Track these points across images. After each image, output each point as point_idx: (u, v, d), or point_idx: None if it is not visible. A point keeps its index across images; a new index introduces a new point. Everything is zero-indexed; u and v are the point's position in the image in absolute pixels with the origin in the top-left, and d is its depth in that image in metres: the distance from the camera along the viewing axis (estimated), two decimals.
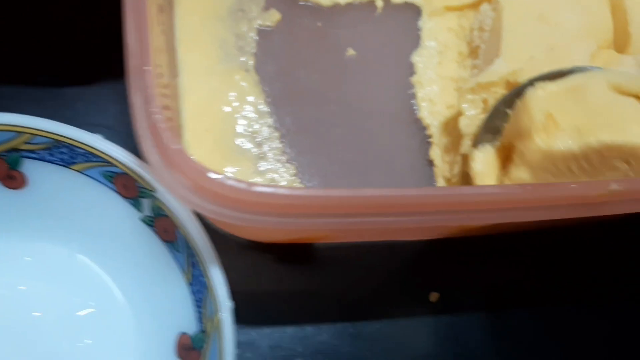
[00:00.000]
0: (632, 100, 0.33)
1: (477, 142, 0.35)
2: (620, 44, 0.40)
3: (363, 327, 0.39)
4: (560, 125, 0.32)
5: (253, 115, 0.39)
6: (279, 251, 0.39)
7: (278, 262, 0.39)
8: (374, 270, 0.40)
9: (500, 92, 0.37)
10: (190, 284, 0.34)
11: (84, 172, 0.35)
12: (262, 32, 0.41)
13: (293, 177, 0.38)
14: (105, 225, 0.37)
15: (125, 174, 0.34)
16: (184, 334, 0.35)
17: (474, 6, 0.42)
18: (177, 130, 0.30)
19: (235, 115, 0.38)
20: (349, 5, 0.42)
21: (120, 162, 0.34)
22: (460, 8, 0.43)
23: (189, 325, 0.34)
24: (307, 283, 0.39)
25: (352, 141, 0.39)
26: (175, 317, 0.35)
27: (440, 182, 0.39)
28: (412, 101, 0.41)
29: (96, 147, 0.34)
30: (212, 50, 0.39)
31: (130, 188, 0.35)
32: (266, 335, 0.38)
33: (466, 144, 0.36)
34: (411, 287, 0.40)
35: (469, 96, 0.37)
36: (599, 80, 0.33)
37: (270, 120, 0.39)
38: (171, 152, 0.25)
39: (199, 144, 0.37)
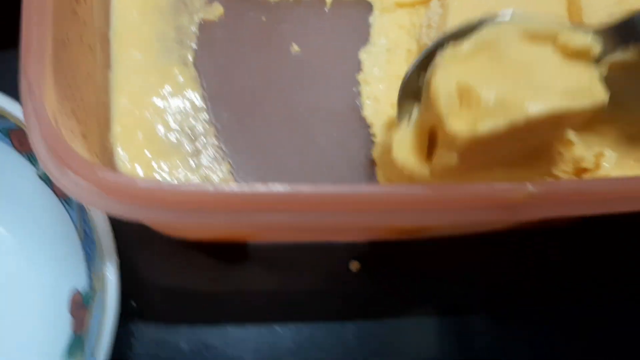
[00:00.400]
0: (548, 49, 0.32)
1: (398, 110, 0.33)
2: None
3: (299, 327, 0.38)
4: (479, 98, 0.29)
5: (189, 110, 0.38)
6: (213, 249, 0.38)
7: (212, 260, 0.38)
8: (313, 270, 0.39)
9: None
10: (82, 240, 0.34)
11: None
12: (203, 26, 0.40)
13: (228, 175, 0.37)
14: (2, 181, 0.36)
15: (19, 128, 0.33)
16: (77, 291, 0.34)
17: (425, 2, 0.41)
18: (78, 121, 0.29)
19: (169, 110, 0.38)
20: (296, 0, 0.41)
21: (13, 116, 0.33)
22: (412, 4, 0.41)
23: (81, 282, 0.34)
24: (240, 282, 0.38)
25: (292, 139, 0.38)
26: (70, 274, 0.35)
27: (382, 182, 0.38)
28: (356, 99, 0.40)
29: None
30: (149, 43, 0.38)
31: (25, 143, 0.34)
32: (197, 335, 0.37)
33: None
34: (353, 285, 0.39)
35: None
36: (511, 33, 0.32)
37: (206, 116, 0.38)
38: (56, 145, 0.24)
39: (128, 138, 0.36)
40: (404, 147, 0.32)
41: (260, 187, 0.24)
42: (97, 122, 0.33)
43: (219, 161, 0.37)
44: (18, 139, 0.34)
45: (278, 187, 0.24)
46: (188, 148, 0.37)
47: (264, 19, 0.40)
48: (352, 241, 0.38)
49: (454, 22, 0.37)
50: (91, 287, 0.33)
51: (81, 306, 0.34)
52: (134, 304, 0.36)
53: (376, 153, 0.38)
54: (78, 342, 0.33)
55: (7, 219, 0.37)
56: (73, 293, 0.35)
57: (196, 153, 0.37)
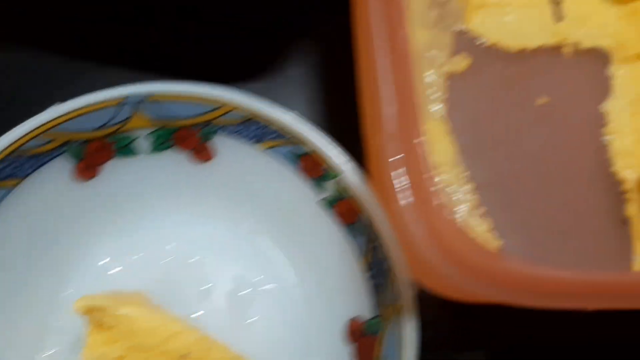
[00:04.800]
0: None
1: None
2: None
3: None
4: None
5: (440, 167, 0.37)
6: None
7: None
8: None
9: None
10: (369, 269, 0.33)
11: (269, 151, 0.35)
12: (448, 79, 0.39)
13: (488, 233, 0.36)
14: (283, 205, 0.36)
15: (311, 154, 0.33)
16: (355, 319, 0.34)
17: None
18: None
19: None
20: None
21: (311, 142, 0.33)
22: None
23: (362, 310, 0.33)
24: None
25: (546, 197, 0.38)
26: (346, 302, 0.35)
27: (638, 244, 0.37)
28: (605, 154, 0.39)
29: (289, 126, 0.33)
30: None
31: (314, 169, 0.34)
32: None
33: None
34: None
35: None
36: None
37: (462, 171, 0.37)
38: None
39: None
40: None
41: None
42: None
43: (478, 218, 0.37)
44: (306, 164, 0.34)
45: None
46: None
47: (508, 70, 0.40)
48: None
49: None
50: (378, 315, 0.33)
51: (363, 335, 0.33)
52: None
53: (632, 211, 0.38)
54: None
55: (284, 244, 0.38)
56: (350, 321, 0.35)
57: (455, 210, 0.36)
